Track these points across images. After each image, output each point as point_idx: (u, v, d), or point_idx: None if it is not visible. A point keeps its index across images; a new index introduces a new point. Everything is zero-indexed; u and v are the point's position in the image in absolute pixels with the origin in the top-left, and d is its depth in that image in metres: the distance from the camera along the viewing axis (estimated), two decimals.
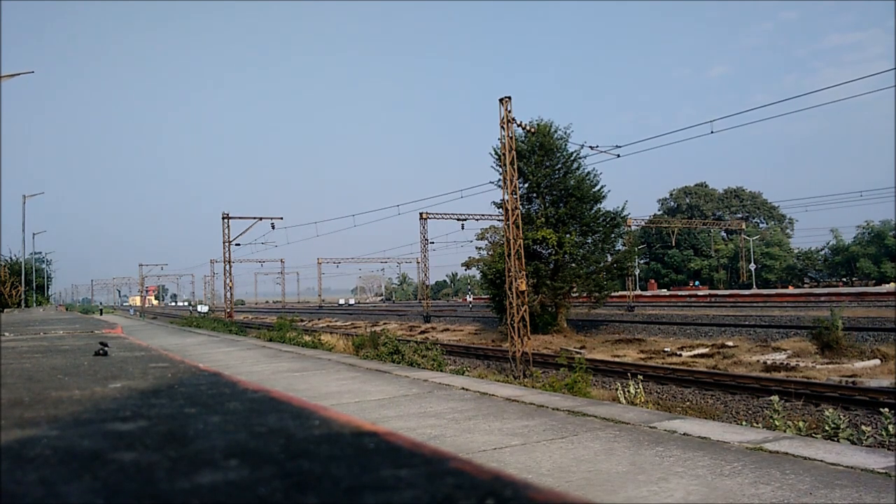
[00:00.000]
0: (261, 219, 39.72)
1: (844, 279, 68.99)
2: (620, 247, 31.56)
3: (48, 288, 64.07)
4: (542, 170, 28.58)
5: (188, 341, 19.87)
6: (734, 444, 5.10)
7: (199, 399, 1.25)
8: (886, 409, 10.05)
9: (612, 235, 29.32)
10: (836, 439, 8.42)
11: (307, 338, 23.25)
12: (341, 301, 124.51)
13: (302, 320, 43.55)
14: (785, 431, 8.05)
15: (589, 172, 28.86)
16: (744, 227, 71.17)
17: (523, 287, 18.94)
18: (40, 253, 58.65)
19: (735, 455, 4.78)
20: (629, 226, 40.32)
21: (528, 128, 23.31)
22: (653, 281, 77.30)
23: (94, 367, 1.97)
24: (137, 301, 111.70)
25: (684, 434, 5.47)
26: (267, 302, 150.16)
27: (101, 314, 49.23)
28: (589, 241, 29.11)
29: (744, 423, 10.26)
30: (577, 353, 19.11)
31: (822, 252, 75.05)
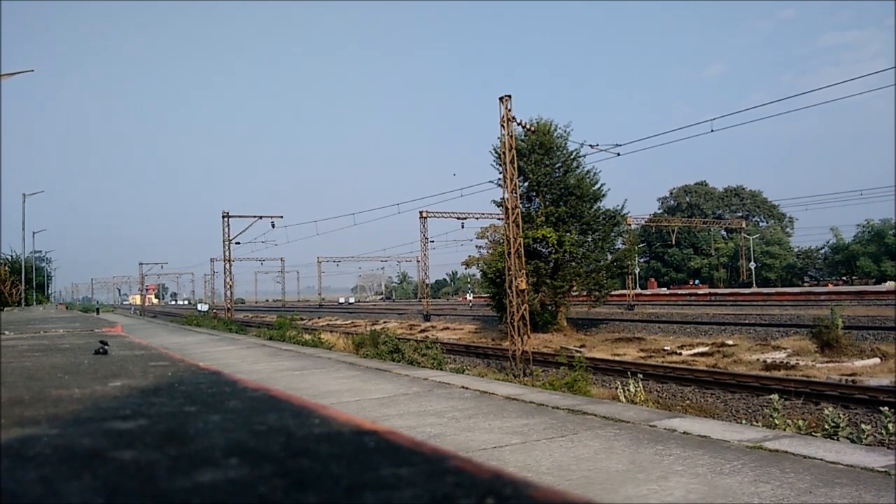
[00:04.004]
0: (261, 217, 39.71)
1: (844, 278, 68.97)
2: (620, 245, 31.55)
3: (48, 286, 64.07)
4: (541, 168, 28.57)
5: (188, 340, 19.88)
6: (734, 443, 5.10)
7: (199, 398, 1.25)
8: (886, 408, 10.06)
9: (612, 234, 29.32)
10: (835, 438, 8.42)
11: (307, 336, 23.26)
12: (341, 300, 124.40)
13: (302, 319, 43.55)
14: (785, 430, 8.06)
15: (588, 171, 28.89)
16: (744, 225, 71.17)
17: (523, 286, 18.94)
18: (40, 251, 58.68)
19: (735, 453, 4.79)
20: (629, 224, 40.32)
21: (528, 126, 23.30)
22: (653, 279, 77.29)
23: (94, 366, 1.97)
24: (137, 300, 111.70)
25: (684, 432, 5.47)
26: (267, 300, 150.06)
27: (98, 313, 49.14)
28: (589, 239, 29.11)
29: (743, 421, 10.27)
30: (577, 351, 19.12)
31: (822, 251, 75.07)
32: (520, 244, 19.02)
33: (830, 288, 52.22)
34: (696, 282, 73.32)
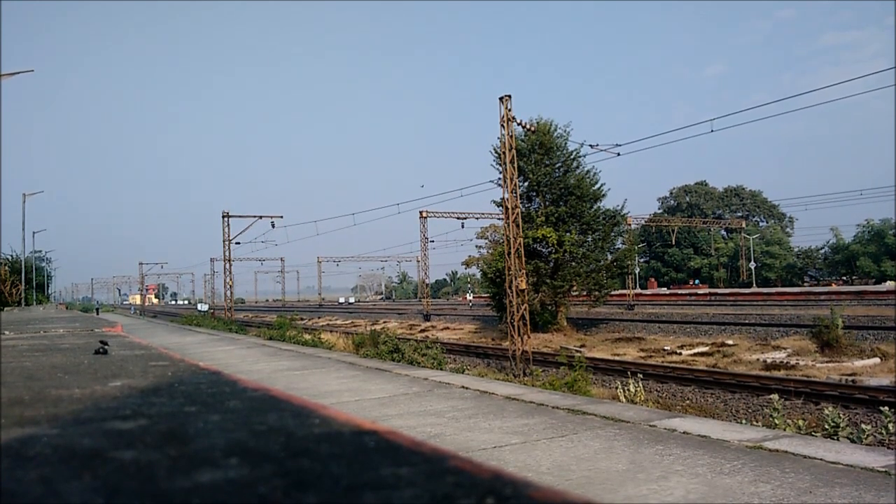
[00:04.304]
0: (261, 217, 39.68)
1: (844, 278, 68.97)
2: (620, 245, 31.55)
3: (48, 286, 64.02)
4: (541, 168, 28.58)
5: (188, 340, 19.88)
6: (734, 443, 5.10)
7: (199, 398, 1.25)
8: (886, 408, 10.05)
9: (612, 234, 29.33)
10: (835, 438, 8.42)
11: (307, 336, 23.26)
12: (341, 299, 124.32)
13: (302, 319, 43.55)
14: (785, 430, 8.06)
15: (588, 171, 28.90)
16: (744, 225, 71.16)
17: (523, 285, 18.94)
18: (40, 251, 58.52)
19: (735, 453, 4.79)
20: (629, 224, 40.32)
21: (527, 126, 23.29)
22: (653, 279, 77.29)
23: (94, 366, 1.97)
24: (137, 299, 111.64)
25: (684, 432, 5.47)
26: (267, 300, 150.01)
27: (98, 313, 49.03)
28: (589, 239, 29.11)
29: (743, 421, 10.27)
30: (577, 351, 19.12)
31: (822, 251, 75.07)
32: (520, 244, 19.02)
33: (834, 288, 52.14)
34: (696, 282, 73.33)
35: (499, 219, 36.09)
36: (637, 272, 63.39)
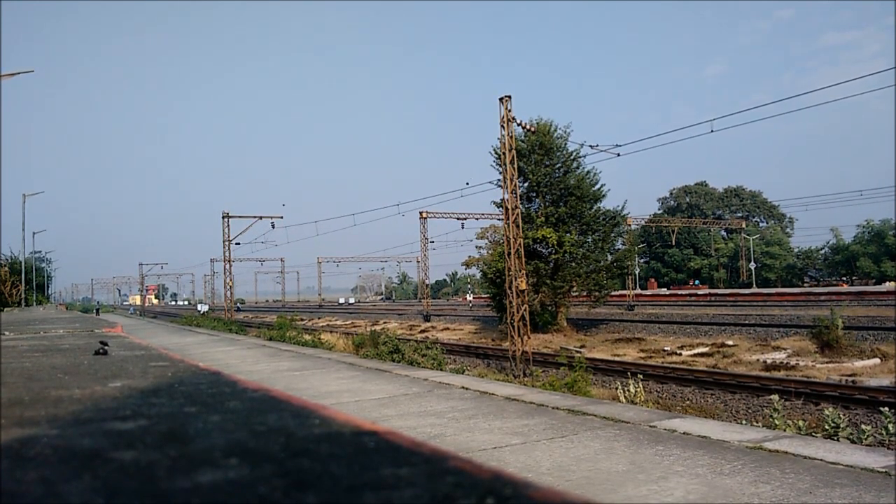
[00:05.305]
0: (261, 218, 39.72)
1: (844, 278, 68.99)
2: (620, 246, 31.56)
3: (48, 287, 64.01)
4: (541, 169, 28.59)
5: (188, 340, 19.87)
6: (734, 443, 5.10)
7: (199, 398, 1.25)
8: (886, 408, 10.05)
9: (612, 234, 29.35)
10: (835, 438, 8.42)
11: (307, 337, 23.25)
12: (341, 300, 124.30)
13: (302, 319, 43.53)
14: (785, 430, 8.06)
15: (589, 171, 28.92)
16: (744, 226, 71.18)
17: (523, 286, 18.94)
18: (40, 252, 58.49)
19: (735, 454, 4.79)
20: (629, 225, 40.32)
21: (528, 127, 23.29)
22: (653, 280, 77.31)
23: (94, 367, 1.97)
24: (137, 300, 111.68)
25: (684, 433, 5.47)
26: (267, 301, 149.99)
27: (98, 314, 48.94)
28: (589, 240, 29.13)
29: (744, 422, 10.27)
30: (577, 352, 19.12)
31: (822, 251, 75.09)
32: (520, 244, 19.02)
33: (840, 288, 51.98)
34: (696, 282, 73.35)
35: (499, 219, 36.11)
36: (637, 273, 63.38)
